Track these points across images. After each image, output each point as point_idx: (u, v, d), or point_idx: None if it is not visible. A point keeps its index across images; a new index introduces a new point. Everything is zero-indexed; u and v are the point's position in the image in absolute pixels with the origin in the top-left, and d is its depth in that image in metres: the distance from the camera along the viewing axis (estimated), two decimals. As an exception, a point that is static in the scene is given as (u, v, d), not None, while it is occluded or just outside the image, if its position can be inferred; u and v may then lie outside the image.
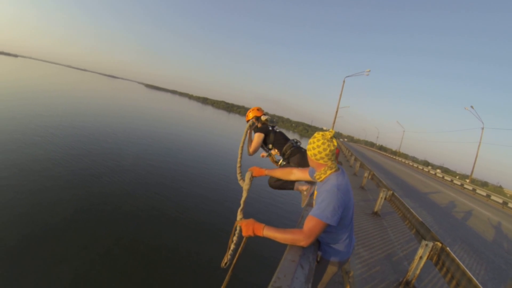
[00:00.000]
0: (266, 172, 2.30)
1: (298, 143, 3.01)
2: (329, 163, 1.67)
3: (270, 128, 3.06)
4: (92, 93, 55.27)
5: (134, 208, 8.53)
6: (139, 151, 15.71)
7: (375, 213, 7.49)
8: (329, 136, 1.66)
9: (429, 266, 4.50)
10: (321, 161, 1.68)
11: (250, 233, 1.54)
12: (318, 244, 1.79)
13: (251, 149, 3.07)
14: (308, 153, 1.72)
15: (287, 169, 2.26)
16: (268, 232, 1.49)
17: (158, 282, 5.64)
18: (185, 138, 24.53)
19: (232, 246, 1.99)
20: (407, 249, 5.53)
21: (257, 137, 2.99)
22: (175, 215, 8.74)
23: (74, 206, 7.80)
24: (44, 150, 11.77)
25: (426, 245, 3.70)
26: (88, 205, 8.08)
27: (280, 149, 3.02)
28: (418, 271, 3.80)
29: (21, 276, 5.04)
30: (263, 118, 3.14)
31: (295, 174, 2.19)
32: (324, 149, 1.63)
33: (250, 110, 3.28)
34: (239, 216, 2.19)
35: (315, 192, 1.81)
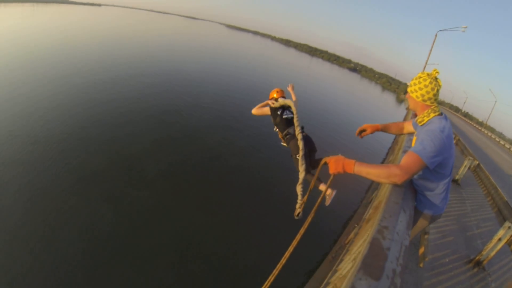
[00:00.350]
0: (381, 127, 2.22)
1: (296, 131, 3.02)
2: (434, 105, 1.55)
3: (279, 112, 3.24)
4: (175, 35, 58.01)
5: (212, 142, 9.40)
6: (218, 90, 16.43)
7: (455, 181, 6.71)
8: (435, 75, 1.52)
9: (503, 252, 3.91)
10: (428, 102, 1.55)
11: (340, 170, 1.42)
12: (415, 193, 1.64)
13: (253, 110, 3.51)
14: (413, 95, 1.59)
15: (400, 124, 2.19)
16: (360, 168, 1.36)
17: (223, 216, 6.23)
18: (266, 81, 24.55)
19: (312, 185, 1.99)
20: (483, 228, 4.92)
21: (266, 110, 3.39)
22: (249, 156, 9.30)
23: (154, 136, 8.87)
24: (129, 89, 13.18)
25: (509, 227, 3.27)
26: (166, 136, 9.09)
27: (281, 132, 3.24)
28: (492, 253, 3.41)
29: (102, 193, 6.10)
30: (280, 100, 3.35)
31: (406, 127, 2.11)
32: (432, 89, 1.51)
33: (272, 90, 3.60)
34: (298, 189, 2.38)
35: (414, 138, 1.69)
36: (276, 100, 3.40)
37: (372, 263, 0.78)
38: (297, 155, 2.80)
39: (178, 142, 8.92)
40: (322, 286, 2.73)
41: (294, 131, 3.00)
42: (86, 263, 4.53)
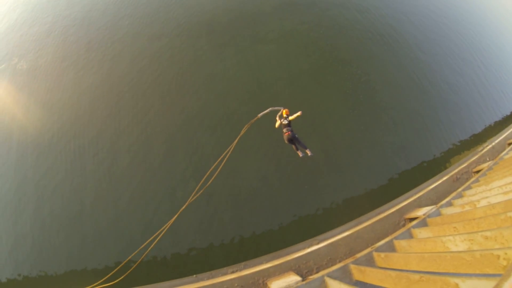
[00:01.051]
0: None
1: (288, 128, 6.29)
2: None
3: (281, 120, 6.33)
4: None
5: (338, 15, 9.16)
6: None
7: None
8: None
9: None
10: None
11: None
12: None
13: (276, 126, 6.50)
14: None
15: None
16: None
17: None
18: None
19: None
20: None
21: (279, 122, 6.42)
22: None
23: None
24: None
25: None
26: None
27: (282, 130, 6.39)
28: None
29: (227, 44, 6.31)
30: (284, 115, 6.26)
31: None
32: None
33: (283, 110, 6.37)
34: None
35: None
36: (282, 115, 6.27)
37: None
38: (286, 141, 6.17)
39: (304, 7, 8.68)
40: (442, 203, 2.59)
41: (286, 131, 6.08)
42: (209, 103, 5.51)
